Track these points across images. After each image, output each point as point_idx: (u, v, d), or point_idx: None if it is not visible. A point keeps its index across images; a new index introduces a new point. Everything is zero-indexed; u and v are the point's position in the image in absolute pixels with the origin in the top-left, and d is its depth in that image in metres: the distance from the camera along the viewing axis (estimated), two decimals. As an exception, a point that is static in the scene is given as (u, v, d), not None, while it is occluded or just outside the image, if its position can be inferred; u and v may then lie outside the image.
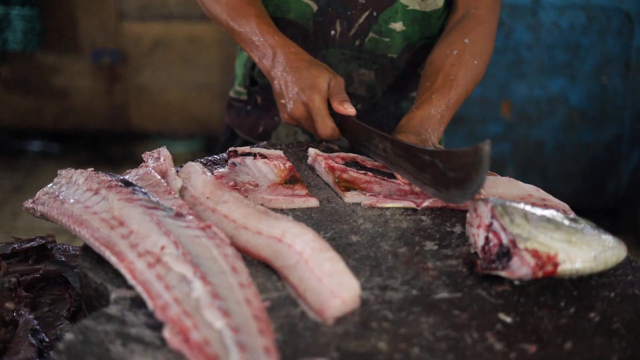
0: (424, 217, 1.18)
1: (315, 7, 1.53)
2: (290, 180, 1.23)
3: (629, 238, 3.38)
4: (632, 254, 1.10)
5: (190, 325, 0.84)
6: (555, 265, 0.99)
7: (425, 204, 1.19)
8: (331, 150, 1.40)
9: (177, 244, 0.95)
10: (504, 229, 1.02)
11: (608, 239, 1.03)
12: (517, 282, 1.01)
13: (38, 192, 1.15)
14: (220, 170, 1.27)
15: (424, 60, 1.59)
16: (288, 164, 1.27)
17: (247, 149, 1.32)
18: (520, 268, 0.99)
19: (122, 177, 1.11)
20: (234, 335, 0.82)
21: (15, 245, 1.33)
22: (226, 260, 0.95)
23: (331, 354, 0.85)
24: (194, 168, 1.19)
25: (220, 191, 1.12)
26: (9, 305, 1.14)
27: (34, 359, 1.01)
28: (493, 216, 1.04)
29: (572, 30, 3.35)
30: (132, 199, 1.04)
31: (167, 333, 0.84)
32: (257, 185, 1.22)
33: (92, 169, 1.15)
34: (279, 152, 1.31)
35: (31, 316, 1.11)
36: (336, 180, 1.24)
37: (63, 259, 1.30)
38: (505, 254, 1.01)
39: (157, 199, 1.07)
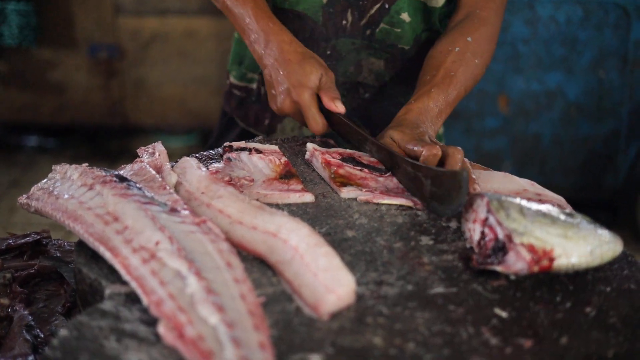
0: (419, 212, 1.17)
1: None
2: (286, 175, 1.23)
3: (626, 232, 3.38)
4: (628, 248, 1.10)
5: (184, 320, 0.84)
6: (551, 260, 0.99)
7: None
8: (328, 145, 1.40)
9: (172, 239, 0.95)
10: (499, 224, 1.01)
11: (604, 234, 1.03)
12: (512, 277, 1.01)
13: (32, 188, 1.15)
14: (215, 165, 1.27)
15: None
16: (283, 159, 1.26)
17: (242, 144, 1.32)
18: (516, 263, 0.99)
19: (116, 173, 1.11)
20: (229, 330, 0.82)
21: (10, 241, 1.32)
22: (221, 255, 0.95)
23: (326, 349, 0.85)
24: (189, 163, 1.19)
25: (215, 186, 1.12)
26: (4, 301, 1.14)
27: (29, 354, 1.01)
28: (489, 211, 1.04)
29: (569, 24, 3.35)
30: (126, 195, 1.03)
31: (161, 329, 0.83)
32: (252, 180, 1.22)
33: (87, 164, 1.14)
34: (275, 147, 1.31)
35: (26, 312, 1.11)
36: (332, 175, 1.24)
37: (58, 255, 1.30)
38: (501, 248, 1.01)
39: (152, 194, 1.06)
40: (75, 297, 1.12)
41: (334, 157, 1.29)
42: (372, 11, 1.51)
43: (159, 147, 1.22)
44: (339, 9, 1.52)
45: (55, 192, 1.10)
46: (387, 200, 1.18)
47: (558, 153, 3.50)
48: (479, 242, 1.05)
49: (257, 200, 1.15)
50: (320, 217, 1.14)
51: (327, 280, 0.92)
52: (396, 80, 1.62)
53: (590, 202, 3.53)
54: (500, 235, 1.01)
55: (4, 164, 4.27)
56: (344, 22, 1.53)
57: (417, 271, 1.01)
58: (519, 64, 3.41)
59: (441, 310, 0.93)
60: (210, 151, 1.35)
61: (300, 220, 1.03)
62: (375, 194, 1.20)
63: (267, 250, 1.01)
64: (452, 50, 1.44)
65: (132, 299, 0.91)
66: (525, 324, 0.92)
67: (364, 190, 1.21)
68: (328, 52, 1.55)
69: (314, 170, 1.31)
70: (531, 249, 0.98)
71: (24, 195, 1.15)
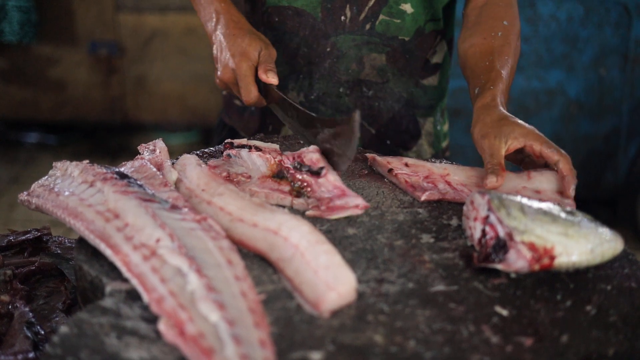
0: (420, 210, 1.17)
1: None
2: (279, 175, 1.22)
3: (626, 230, 3.38)
4: (629, 247, 1.09)
5: (185, 318, 0.84)
6: (552, 258, 0.99)
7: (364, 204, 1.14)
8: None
9: (173, 236, 0.95)
10: (500, 222, 1.01)
11: (605, 232, 1.03)
12: (513, 275, 1.01)
13: (33, 185, 1.15)
14: (214, 160, 1.26)
15: (433, 47, 1.61)
16: (278, 158, 1.26)
17: (243, 141, 1.32)
18: (517, 261, 0.99)
19: (117, 170, 1.11)
20: (229, 328, 0.82)
21: (11, 238, 1.33)
22: (222, 252, 0.95)
23: (327, 347, 0.85)
24: (189, 160, 1.19)
25: (215, 183, 1.12)
26: (4, 297, 1.14)
27: (29, 351, 1.01)
28: (490, 209, 1.04)
29: (570, 22, 3.34)
30: (127, 192, 1.03)
31: (162, 326, 0.83)
32: (249, 177, 1.22)
33: (88, 161, 1.14)
34: (275, 146, 1.30)
35: (26, 309, 1.11)
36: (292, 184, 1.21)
37: (59, 252, 1.30)
38: (502, 246, 1.01)
39: (153, 191, 1.06)
40: (76, 294, 1.12)
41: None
42: (371, 3, 1.52)
43: (159, 144, 1.22)
44: (338, 4, 1.53)
45: (56, 189, 1.10)
46: (336, 215, 1.13)
47: (558, 151, 3.49)
48: (479, 240, 1.05)
49: (252, 196, 1.14)
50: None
51: (327, 278, 0.92)
52: (398, 75, 1.62)
53: (591, 200, 3.53)
54: (501, 233, 1.01)
55: (4, 161, 4.27)
56: (343, 17, 1.54)
57: (418, 269, 1.01)
58: (519, 61, 3.40)
59: (442, 308, 0.93)
60: (212, 148, 1.35)
61: (301, 217, 1.03)
62: (323, 210, 1.15)
63: (267, 247, 1.01)
64: (496, 35, 1.48)
65: (133, 296, 0.91)
66: (526, 322, 0.92)
67: (310, 201, 1.17)
68: (328, 49, 1.56)
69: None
70: (532, 247, 0.98)
71: (25, 192, 1.15)
